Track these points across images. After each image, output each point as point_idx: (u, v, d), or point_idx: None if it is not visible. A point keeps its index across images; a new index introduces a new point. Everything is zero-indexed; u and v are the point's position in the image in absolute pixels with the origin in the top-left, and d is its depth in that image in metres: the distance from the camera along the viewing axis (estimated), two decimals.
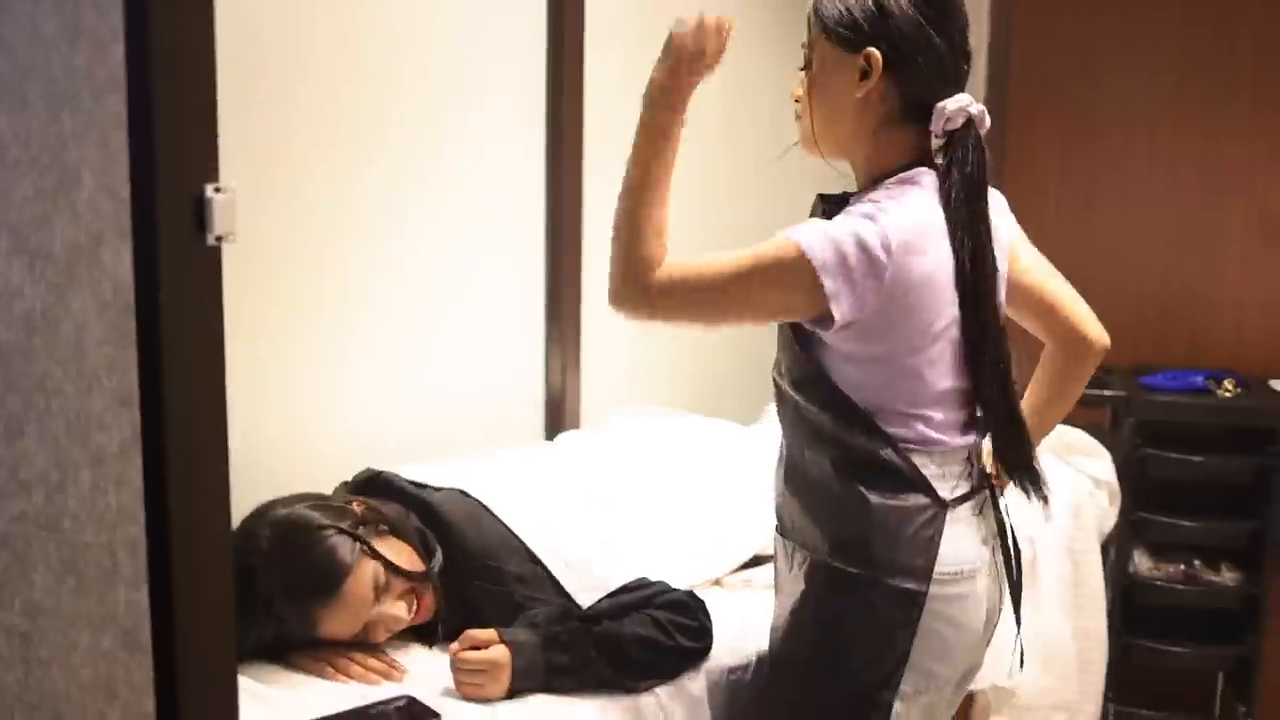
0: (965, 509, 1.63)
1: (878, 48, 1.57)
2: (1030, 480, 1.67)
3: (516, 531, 1.90)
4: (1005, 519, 1.70)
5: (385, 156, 2.18)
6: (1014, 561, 1.70)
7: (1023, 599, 1.77)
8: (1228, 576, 3.24)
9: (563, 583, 1.85)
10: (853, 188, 1.68)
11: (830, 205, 1.65)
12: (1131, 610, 3.24)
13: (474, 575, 1.87)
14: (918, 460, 1.59)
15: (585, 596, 1.83)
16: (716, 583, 2.12)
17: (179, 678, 1.23)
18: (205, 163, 1.18)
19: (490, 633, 1.73)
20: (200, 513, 1.22)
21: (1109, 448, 3.02)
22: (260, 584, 1.73)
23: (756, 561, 2.18)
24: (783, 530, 1.73)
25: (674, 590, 1.85)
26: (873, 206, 1.56)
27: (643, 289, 1.54)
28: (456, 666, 1.73)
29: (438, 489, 1.97)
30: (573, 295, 2.47)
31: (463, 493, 1.96)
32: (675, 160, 1.60)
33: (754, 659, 1.86)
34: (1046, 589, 2.44)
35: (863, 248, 1.50)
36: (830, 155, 1.68)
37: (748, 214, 3.09)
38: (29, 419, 1.36)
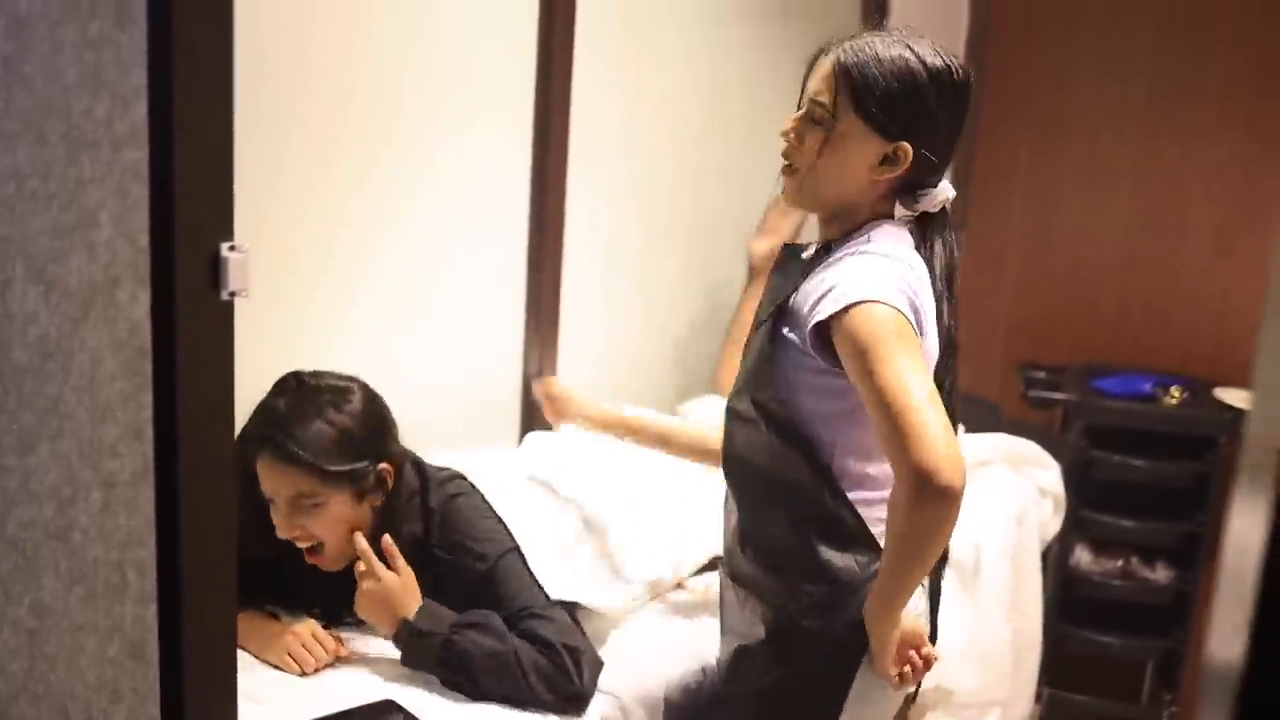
0: None
1: (912, 143, 1.58)
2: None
3: (503, 519, 1.94)
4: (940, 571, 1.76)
5: (381, 163, 2.24)
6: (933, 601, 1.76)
7: (964, 602, 1.87)
8: (1162, 574, 3.39)
9: (536, 574, 1.88)
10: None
11: (804, 257, 1.70)
12: (1070, 602, 3.39)
13: (445, 547, 1.90)
14: (864, 513, 1.64)
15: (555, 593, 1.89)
16: (679, 585, 2.20)
17: (185, 689, 1.32)
18: (221, 222, 1.24)
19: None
20: (209, 543, 1.31)
21: (1058, 448, 3.14)
22: (263, 405, 1.84)
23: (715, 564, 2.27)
24: (734, 577, 1.77)
25: (554, 631, 1.82)
26: (891, 252, 1.59)
27: (950, 480, 1.42)
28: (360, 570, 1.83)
29: (438, 467, 2.01)
30: (551, 294, 2.54)
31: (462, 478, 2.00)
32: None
33: (712, 666, 1.94)
34: (987, 591, 2.54)
35: (914, 292, 1.56)
36: (813, 210, 1.71)
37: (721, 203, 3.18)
38: (41, 437, 1.43)
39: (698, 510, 2.23)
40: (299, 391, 1.84)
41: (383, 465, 1.88)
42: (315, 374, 1.88)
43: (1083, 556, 3.43)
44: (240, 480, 1.82)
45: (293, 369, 1.92)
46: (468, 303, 2.46)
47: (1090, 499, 3.34)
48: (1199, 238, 3.68)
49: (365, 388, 1.90)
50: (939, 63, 1.58)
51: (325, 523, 1.84)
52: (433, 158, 2.35)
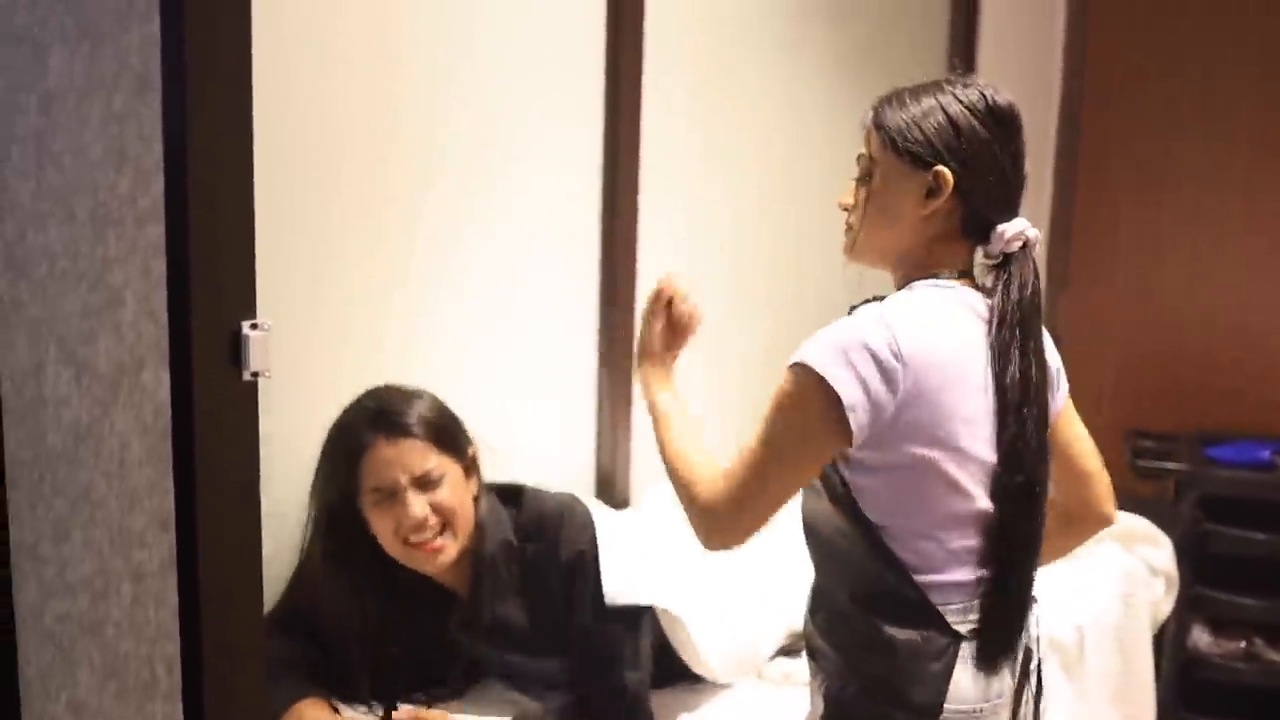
0: (984, 639, 1.55)
1: (948, 166, 1.54)
2: (1000, 649, 1.58)
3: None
4: (1033, 648, 1.62)
5: (429, 225, 2.18)
6: (1035, 698, 1.63)
7: (1069, 690, 1.73)
8: None
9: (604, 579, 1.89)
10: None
11: None
12: (1189, 686, 3.18)
13: (529, 534, 1.93)
14: (930, 592, 1.53)
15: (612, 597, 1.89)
16: (758, 675, 2.09)
17: None
18: (243, 299, 1.19)
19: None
20: (233, 638, 1.24)
21: (1170, 521, 2.96)
22: (358, 401, 1.89)
23: (793, 649, 2.15)
24: (809, 651, 1.69)
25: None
26: (886, 307, 1.53)
27: (720, 528, 1.55)
28: None
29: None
30: (625, 367, 2.46)
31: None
32: (686, 417, 1.68)
33: None
34: (1093, 677, 2.38)
35: (872, 355, 1.46)
36: (878, 265, 1.65)
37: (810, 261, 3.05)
38: (75, 524, 1.39)
39: (776, 587, 2.12)
40: (383, 391, 1.91)
41: (471, 449, 1.94)
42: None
43: (1201, 638, 3.22)
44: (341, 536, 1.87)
45: None
46: (533, 375, 2.38)
47: (1207, 576, 3.14)
48: None
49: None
50: (971, 92, 1.57)
51: (451, 494, 1.87)
52: (488, 210, 2.27)
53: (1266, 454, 3.24)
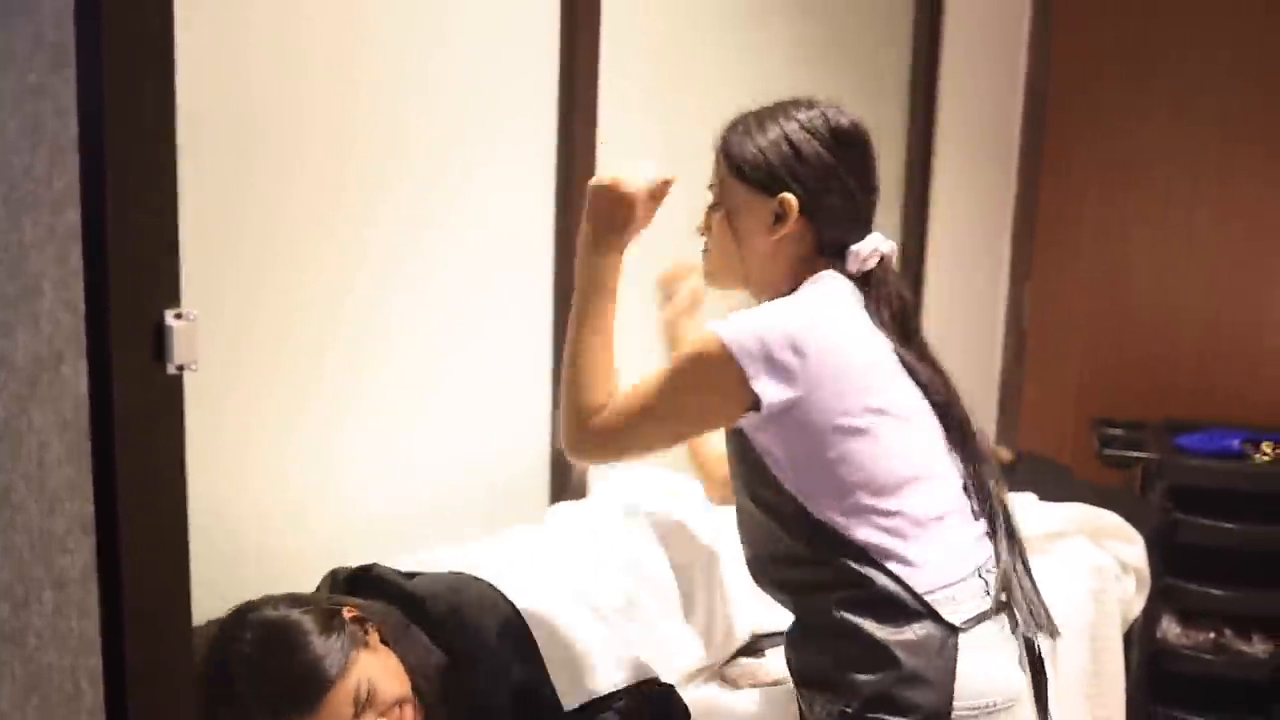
0: (986, 630, 1.52)
1: (792, 192, 1.57)
2: (1029, 607, 1.58)
3: (521, 610, 1.81)
4: (1033, 638, 1.58)
5: (385, 224, 2.10)
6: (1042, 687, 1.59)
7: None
8: (1259, 647, 3.16)
9: (555, 682, 1.76)
10: None
11: None
12: (1158, 678, 3.16)
13: (459, 658, 1.79)
14: (909, 579, 1.50)
15: (570, 699, 1.75)
16: (721, 678, 2.03)
17: None
18: (166, 287, 1.11)
19: None
20: (159, 650, 1.17)
21: (1139, 512, 2.93)
22: (238, 687, 1.65)
23: (753, 649, 2.09)
24: (799, 680, 1.63)
25: (658, 694, 1.77)
26: (791, 296, 1.58)
27: (591, 433, 1.57)
28: None
29: (434, 576, 1.88)
30: None
31: (461, 574, 1.88)
32: (614, 305, 1.64)
33: None
34: (1064, 675, 2.33)
35: (781, 329, 1.50)
36: (740, 289, 1.69)
37: None
38: None
39: (734, 588, 2.06)
40: (261, 660, 1.68)
41: (348, 614, 1.75)
42: (247, 624, 1.72)
43: (1170, 629, 3.20)
44: None
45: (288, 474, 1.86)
46: (488, 371, 2.31)
47: (1176, 566, 3.12)
48: None
49: (294, 597, 1.77)
50: (814, 115, 1.61)
51: (387, 686, 1.70)
52: (445, 220, 2.21)
53: (1236, 442, 3.22)
